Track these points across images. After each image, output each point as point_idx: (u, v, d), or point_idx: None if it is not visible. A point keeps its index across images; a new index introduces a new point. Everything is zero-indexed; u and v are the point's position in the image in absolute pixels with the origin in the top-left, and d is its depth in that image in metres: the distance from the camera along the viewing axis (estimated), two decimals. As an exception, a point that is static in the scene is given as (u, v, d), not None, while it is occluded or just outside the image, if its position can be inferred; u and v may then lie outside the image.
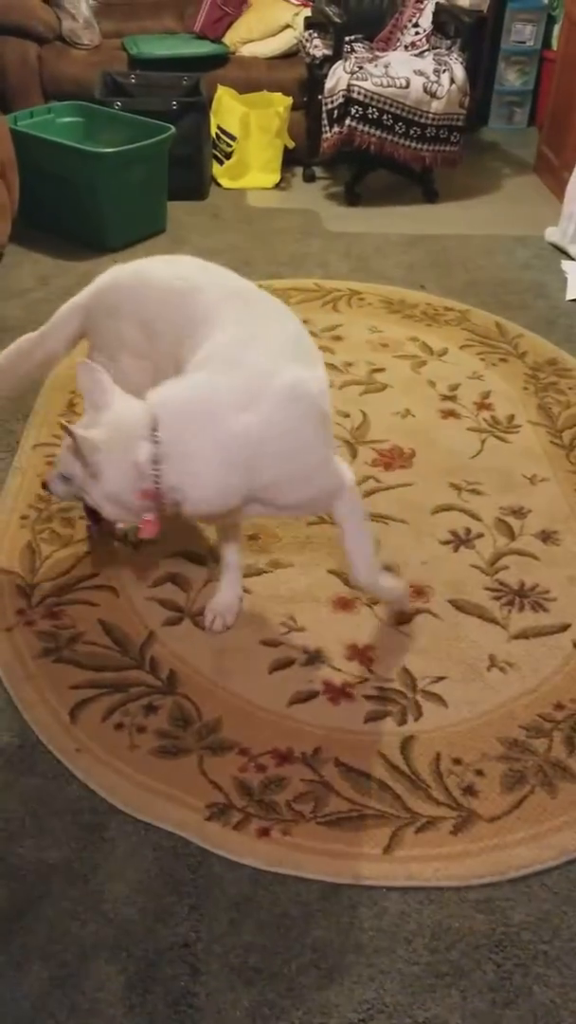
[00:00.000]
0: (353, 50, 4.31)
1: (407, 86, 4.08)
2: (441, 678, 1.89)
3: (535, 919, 1.49)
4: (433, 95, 4.12)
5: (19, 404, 2.72)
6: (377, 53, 4.34)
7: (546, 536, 2.28)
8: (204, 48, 4.58)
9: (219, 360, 1.64)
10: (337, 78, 4.09)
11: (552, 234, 4.01)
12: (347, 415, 2.73)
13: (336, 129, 4.16)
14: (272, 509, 1.73)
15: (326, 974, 1.41)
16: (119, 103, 4.06)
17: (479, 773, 1.70)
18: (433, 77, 4.12)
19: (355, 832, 1.60)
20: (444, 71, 4.15)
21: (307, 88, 4.46)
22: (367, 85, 4.04)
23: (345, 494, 1.78)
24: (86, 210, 3.68)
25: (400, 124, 4.15)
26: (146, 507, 1.61)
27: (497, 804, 1.65)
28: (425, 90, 4.10)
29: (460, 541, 2.26)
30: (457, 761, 1.72)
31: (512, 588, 2.13)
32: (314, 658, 1.94)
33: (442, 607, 2.07)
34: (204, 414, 1.57)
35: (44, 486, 1.80)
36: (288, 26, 4.62)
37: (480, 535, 2.28)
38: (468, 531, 2.29)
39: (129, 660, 1.91)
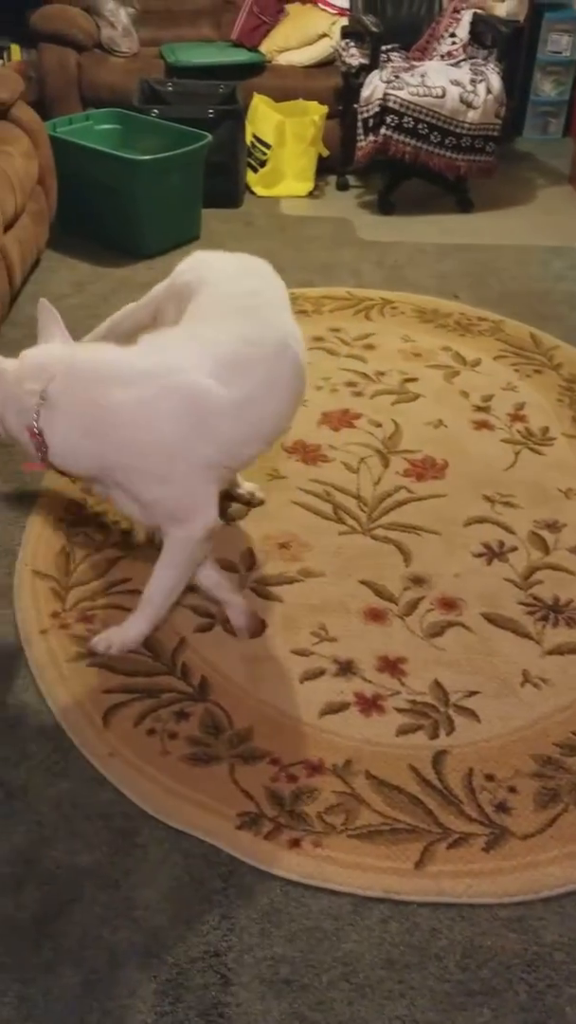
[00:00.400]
0: (389, 59, 4.32)
1: (443, 96, 4.08)
2: (474, 692, 1.88)
3: (568, 939, 1.48)
4: (469, 105, 4.12)
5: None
6: (413, 63, 4.35)
7: (580, 551, 2.27)
8: (241, 56, 4.60)
9: (150, 342, 1.79)
10: (373, 87, 4.10)
11: (587, 246, 4.00)
12: (379, 424, 2.73)
13: (371, 138, 4.17)
14: (128, 499, 1.79)
15: (356, 988, 1.40)
16: (156, 110, 4.09)
17: (512, 790, 1.69)
18: (469, 87, 4.11)
19: (386, 846, 1.59)
20: (480, 81, 4.14)
21: (342, 97, 4.47)
22: (403, 94, 4.04)
23: (181, 532, 1.80)
24: (122, 216, 3.70)
25: (435, 133, 4.15)
26: (35, 445, 1.74)
27: (530, 822, 1.64)
28: (461, 100, 4.10)
29: (493, 554, 2.25)
30: (490, 777, 1.71)
31: (546, 603, 2.11)
32: (345, 669, 1.93)
33: (475, 620, 2.06)
34: (88, 378, 1.72)
35: None
36: (325, 35, 4.63)
37: (514, 548, 2.27)
38: (501, 544, 2.28)
39: (161, 666, 1.92)
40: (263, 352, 1.79)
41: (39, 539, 2.23)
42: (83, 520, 2.30)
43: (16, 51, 4.91)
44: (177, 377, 1.69)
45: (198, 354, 1.72)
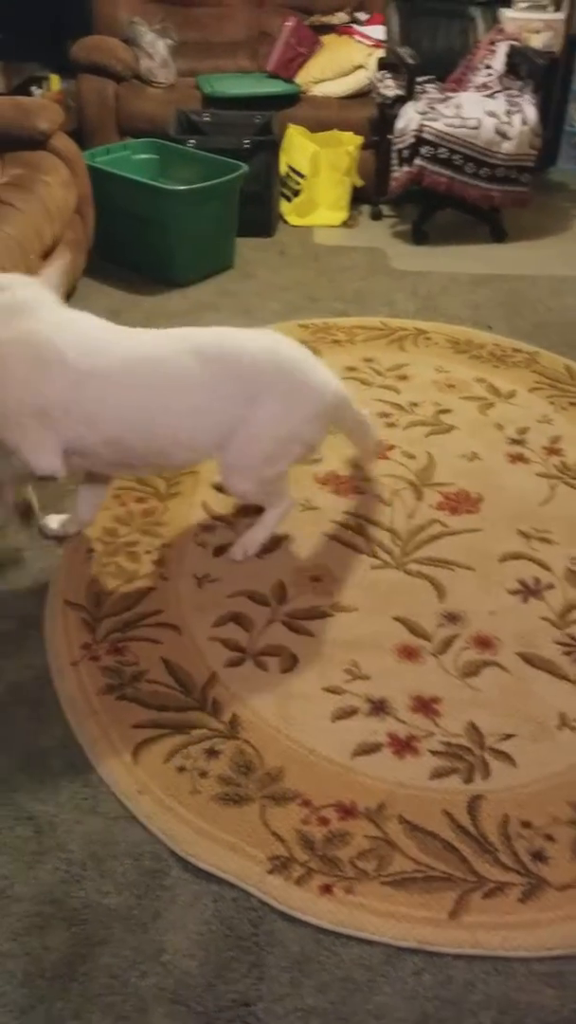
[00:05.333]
0: (424, 90, 4.33)
1: (478, 127, 4.08)
2: (510, 736, 1.84)
3: (606, 996, 1.44)
4: (504, 136, 4.12)
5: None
6: (448, 94, 4.35)
7: (618, 589, 2.23)
8: (277, 87, 4.63)
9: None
10: (408, 118, 4.11)
11: (622, 277, 3.97)
12: (413, 456, 2.71)
13: (406, 168, 4.17)
14: None
15: (389, 1042, 1.37)
16: (192, 140, 4.12)
17: (549, 838, 1.65)
18: (504, 118, 4.11)
19: (420, 894, 1.56)
20: (516, 112, 4.14)
21: (377, 127, 4.48)
22: (438, 125, 4.05)
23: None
24: (157, 245, 3.72)
25: (470, 164, 4.15)
26: None
27: (568, 872, 1.60)
28: (496, 131, 4.10)
29: (529, 591, 2.22)
30: (526, 824, 1.67)
31: (583, 643, 2.08)
32: (378, 708, 1.90)
33: (511, 660, 2.03)
34: None
35: None
36: (360, 66, 4.66)
37: (550, 586, 2.23)
38: (537, 581, 2.25)
39: (191, 701, 1.90)
40: (128, 361, 1.99)
41: (71, 568, 2.23)
42: (115, 550, 2.29)
43: (55, 81, 4.97)
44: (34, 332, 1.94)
45: (74, 330, 2.00)
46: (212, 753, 1.79)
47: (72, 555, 2.27)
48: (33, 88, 4.95)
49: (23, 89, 4.90)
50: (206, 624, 2.10)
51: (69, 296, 3.54)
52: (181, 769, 1.75)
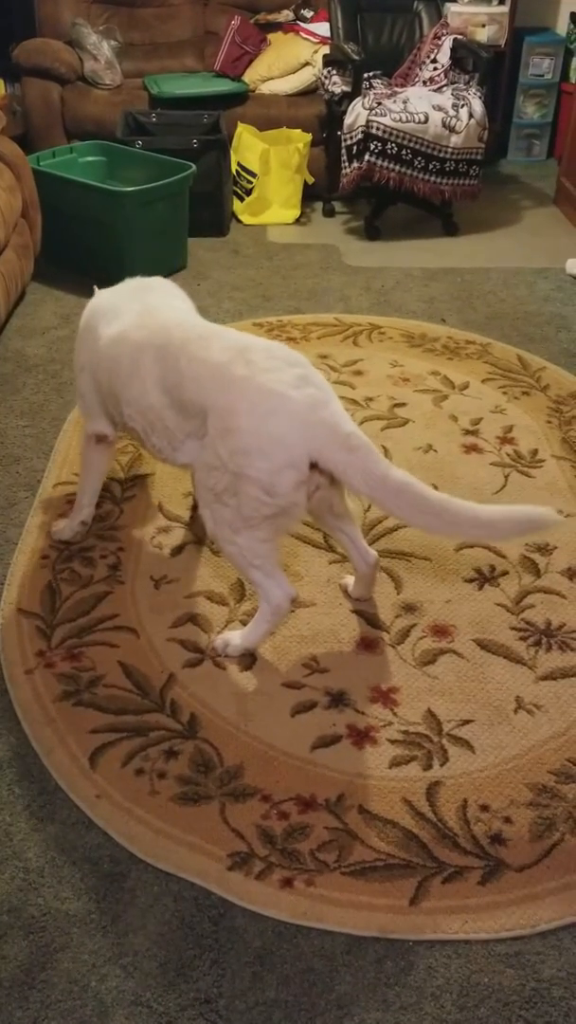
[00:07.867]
0: (372, 86, 4.35)
1: (426, 121, 4.10)
2: (467, 721, 1.85)
3: (566, 974, 1.45)
4: (452, 129, 4.14)
5: (41, 442, 2.72)
6: (396, 89, 4.37)
7: (572, 573, 2.25)
8: (224, 86, 4.63)
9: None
10: (356, 114, 4.12)
11: (573, 266, 4.00)
12: (369, 451, 2.71)
13: (355, 165, 4.18)
14: None
15: (352, 1032, 1.37)
16: (140, 142, 4.11)
17: (507, 820, 1.66)
18: (452, 112, 4.14)
19: (380, 883, 1.56)
20: (462, 106, 4.17)
21: (326, 124, 4.50)
22: (386, 121, 4.06)
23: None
24: (108, 248, 3.70)
25: (419, 159, 4.17)
26: None
27: (526, 853, 1.61)
28: (444, 125, 4.12)
29: (484, 579, 2.23)
30: (484, 808, 1.68)
31: (538, 627, 2.09)
32: (337, 700, 1.90)
33: (467, 647, 2.04)
34: None
35: None
36: (307, 63, 4.66)
37: (505, 573, 2.25)
38: (492, 569, 2.26)
39: (149, 703, 1.89)
40: (142, 328, 2.04)
41: (24, 576, 2.21)
42: (69, 556, 2.28)
43: (0, 85, 4.94)
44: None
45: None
46: (171, 754, 1.78)
47: (26, 563, 2.26)
48: (-23, 94, 4.91)
49: (-33, 96, 4.85)
50: (164, 626, 2.09)
51: (18, 302, 3.52)
52: (139, 771, 1.74)
